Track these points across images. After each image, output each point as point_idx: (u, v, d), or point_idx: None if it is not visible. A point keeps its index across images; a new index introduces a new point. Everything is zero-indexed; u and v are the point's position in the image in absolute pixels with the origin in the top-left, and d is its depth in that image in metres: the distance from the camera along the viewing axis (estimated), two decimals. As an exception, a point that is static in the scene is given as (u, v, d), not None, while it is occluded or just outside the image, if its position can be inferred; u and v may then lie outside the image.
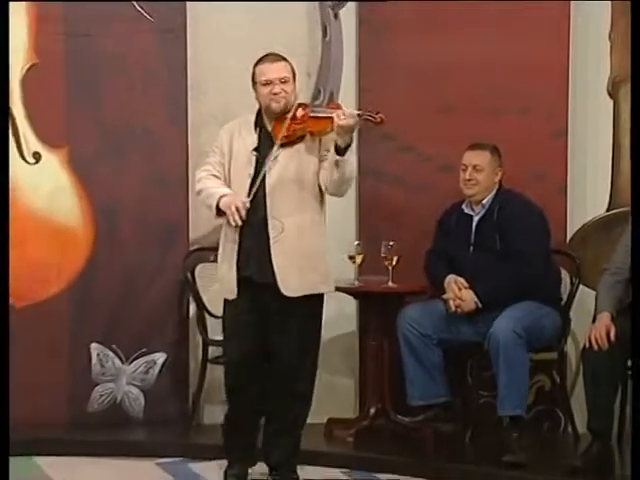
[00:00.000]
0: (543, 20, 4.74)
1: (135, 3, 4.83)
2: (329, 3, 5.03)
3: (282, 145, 3.69)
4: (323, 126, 3.68)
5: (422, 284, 4.60)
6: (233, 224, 3.63)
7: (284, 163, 3.71)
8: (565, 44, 4.73)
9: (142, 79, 4.82)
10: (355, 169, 3.77)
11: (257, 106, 3.92)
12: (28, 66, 4.66)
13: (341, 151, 3.59)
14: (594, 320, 4.17)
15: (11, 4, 4.33)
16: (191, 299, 4.91)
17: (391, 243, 4.16)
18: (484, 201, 4.36)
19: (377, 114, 3.63)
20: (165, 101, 4.89)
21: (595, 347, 4.05)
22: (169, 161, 4.93)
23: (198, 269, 4.89)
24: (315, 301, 3.84)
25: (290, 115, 3.68)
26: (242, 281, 3.72)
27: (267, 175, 3.68)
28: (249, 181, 3.70)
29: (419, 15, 4.77)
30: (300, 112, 3.72)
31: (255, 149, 3.71)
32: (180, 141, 4.89)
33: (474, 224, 4.41)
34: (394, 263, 4.22)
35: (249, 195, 3.67)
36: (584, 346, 4.11)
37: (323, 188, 3.73)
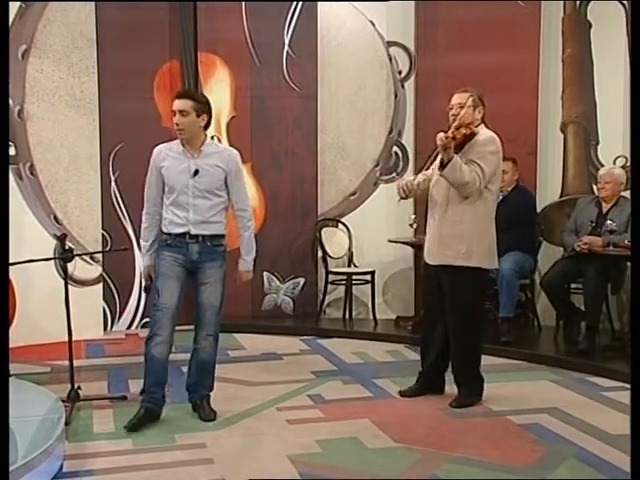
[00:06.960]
0: (520, 85, 5.94)
1: (288, 79, 6.13)
2: (399, 78, 6.39)
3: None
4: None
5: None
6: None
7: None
8: (535, 103, 5.97)
9: (292, 123, 6.32)
10: (460, 178, 3.78)
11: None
12: (231, 117, 6.22)
13: (443, 166, 3.83)
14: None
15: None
16: (319, 247, 6.41)
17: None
18: (509, 189, 5.63)
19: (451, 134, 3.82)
20: (304, 136, 6.36)
21: (585, 249, 5.08)
22: (306, 170, 6.39)
23: (323, 231, 6.41)
24: (453, 271, 3.96)
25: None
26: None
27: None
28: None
29: (450, 82, 5.45)
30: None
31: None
32: (312, 159, 6.39)
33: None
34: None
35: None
36: (543, 276, 5.51)
37: None
